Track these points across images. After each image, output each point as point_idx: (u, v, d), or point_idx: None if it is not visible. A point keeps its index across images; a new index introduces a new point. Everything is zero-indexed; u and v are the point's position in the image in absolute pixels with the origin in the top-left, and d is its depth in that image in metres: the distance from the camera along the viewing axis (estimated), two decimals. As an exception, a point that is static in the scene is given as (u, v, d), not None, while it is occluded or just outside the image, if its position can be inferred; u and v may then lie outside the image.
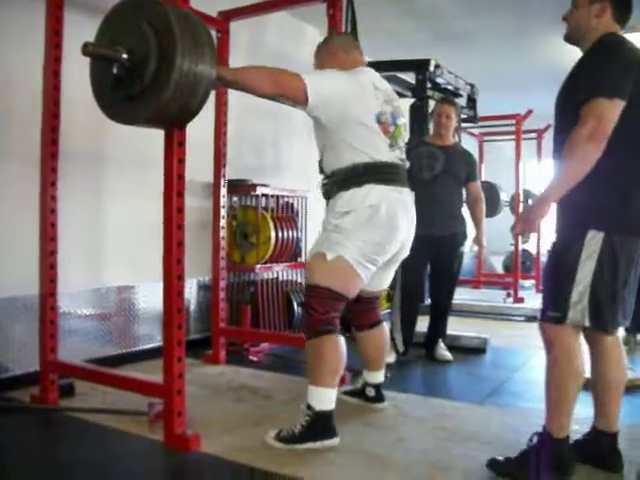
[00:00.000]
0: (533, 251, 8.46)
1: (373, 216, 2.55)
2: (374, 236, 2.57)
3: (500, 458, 2.29)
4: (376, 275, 2.77)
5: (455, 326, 4.63)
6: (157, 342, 3.92)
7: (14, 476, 2.32)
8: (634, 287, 2.22)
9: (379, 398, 3.13)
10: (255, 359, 4.14)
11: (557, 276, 2.17)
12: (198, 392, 3.26)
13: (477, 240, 4.43)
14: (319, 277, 2.59)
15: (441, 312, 4.31)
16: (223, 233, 4.07)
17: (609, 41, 2.12)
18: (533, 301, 6.77)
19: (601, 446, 2.30)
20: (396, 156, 2.70)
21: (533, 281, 8.26)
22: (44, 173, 2.97)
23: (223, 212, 4.06)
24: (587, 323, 2.12)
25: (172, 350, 2.50)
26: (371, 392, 3.13)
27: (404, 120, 2.81)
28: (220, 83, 2.47)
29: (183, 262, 2.53)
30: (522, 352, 4.52)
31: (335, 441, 2.55)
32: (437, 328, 4.30)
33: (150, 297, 4.01)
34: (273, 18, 4.78)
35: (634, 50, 2.11)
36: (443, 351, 4.24)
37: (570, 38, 2.30)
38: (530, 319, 5.82)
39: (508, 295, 7.31)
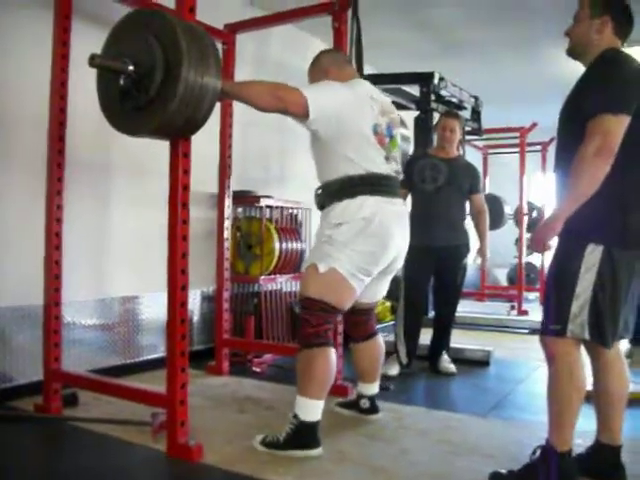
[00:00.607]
0: (537, 264, 8.44)
1: (366, 227, 2.56)
2: (367, 247, 2.57)
3: (503, 471, 2.28)
4: (371, 286, 2.78)
5: (459, 339, 4.63)
6: (161, 352, 3.92)
7: (17, 485, 2.32)
8: (635, 301, 2.22)
9: (373, 409, 3.13)
10: (258, 370, 4.14)
11: (557, 289, 2.18)
12: (201, 403, 3.26)
13: (480, 252, 4.43)
14: (312, 289, 2.60)
15: (445, 324, 4.30)
16: (227, 244, 4.07)
17: (610, 56, 2.13)
18: (537, 314, 6.63)
19: (604, 460, 2.29)
20: (391, 168, 2.71)
21: (537, 294, 8.24)
22: (50, 182, 2.99)
23: (227, 223, 4.06)
24: (587, 336, 2.12)
25: (175, 361, 2.50)
26: (366, 404, 3.13)
27: (403, 131, 2.81)
28: (224, 96, 2.49)
29: (187, 273, 2.53)
30: (526, 365, 4.51)
31: (318, 451, 2.55)
32: (441, 340, 4.29)
33: (154, 307, 4.01)
34: (279, 31, 4.80)
35: (635, 64, 2.12)
36: (447, 364, 4.23)
37: (572, 53, 2.31)
38: (534, 332, 5.76)
39: (512, 308, 7.29)
